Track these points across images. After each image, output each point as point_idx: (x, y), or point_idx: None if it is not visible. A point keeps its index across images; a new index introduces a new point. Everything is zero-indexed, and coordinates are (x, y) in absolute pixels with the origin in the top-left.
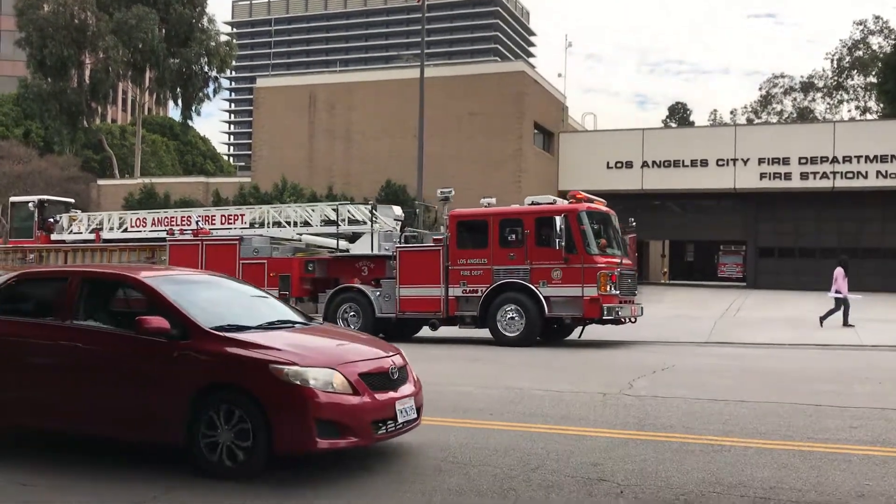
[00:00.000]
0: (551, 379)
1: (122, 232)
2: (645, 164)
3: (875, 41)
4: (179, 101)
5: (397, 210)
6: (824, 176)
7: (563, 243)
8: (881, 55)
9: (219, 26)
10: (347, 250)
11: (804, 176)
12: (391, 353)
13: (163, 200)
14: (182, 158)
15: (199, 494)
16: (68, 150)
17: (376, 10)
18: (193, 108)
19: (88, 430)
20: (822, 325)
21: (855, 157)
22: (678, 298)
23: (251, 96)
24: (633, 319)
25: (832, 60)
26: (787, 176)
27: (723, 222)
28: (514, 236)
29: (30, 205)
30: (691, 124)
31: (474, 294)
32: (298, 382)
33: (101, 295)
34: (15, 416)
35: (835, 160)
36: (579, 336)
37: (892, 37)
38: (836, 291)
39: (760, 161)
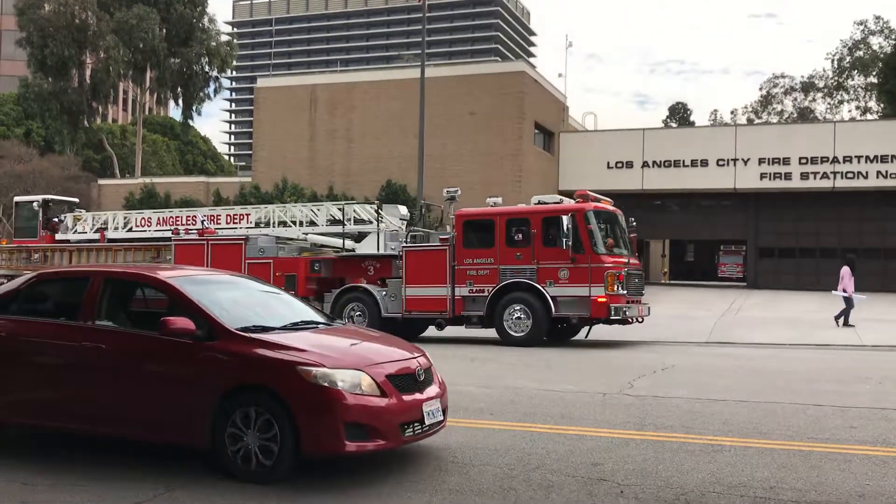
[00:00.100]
0: (552, 379)
1: (127, 231)
2: (645, 164)
3: (875, 41)
4: (180, 101)
5: (403, 210)
6: (825, 176)
7: (570, 243)
8: (882, 55)
9: (219, 26)
10: (353, 250)
11: (804, 176)
12: (417, 355)
13: (163, 200)
14: (183, 158)
15: (199, 494)
16: (69, 150)
17: (377, 10)
18: (194, 108)
19: (112, 432)
20: (837, 325)
21: (855, 157)
22: (678, 298)
23: (252, 96)
24: (640, 319)
25: (833, 60)
26: (788, 176)
27: (723, 222)
28: (520, 236)
29: (34, 204)
30: (692, 124)
31: (481, 294)
32: (326, 384)
33: (123, 295)
34: (37, 418)
35: (835, 160)
36: (586, 336)
37: (893, 37)
38: (843, 290)
39: (761, 161)
